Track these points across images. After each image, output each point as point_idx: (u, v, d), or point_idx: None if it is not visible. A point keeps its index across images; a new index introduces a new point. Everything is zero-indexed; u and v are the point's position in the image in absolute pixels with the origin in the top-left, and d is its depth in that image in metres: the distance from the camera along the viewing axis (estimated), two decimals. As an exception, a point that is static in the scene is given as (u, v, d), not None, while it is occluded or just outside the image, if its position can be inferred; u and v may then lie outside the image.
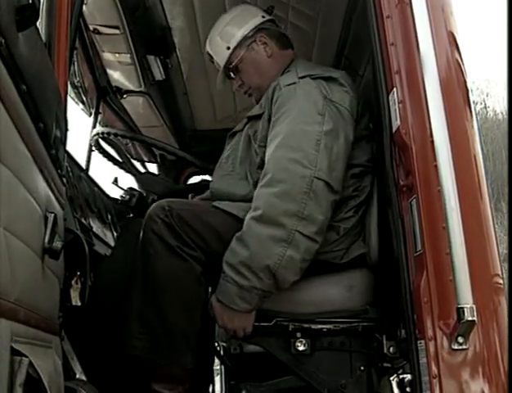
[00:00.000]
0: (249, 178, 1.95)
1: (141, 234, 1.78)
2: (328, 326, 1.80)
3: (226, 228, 1.78)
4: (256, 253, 1.69)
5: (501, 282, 1.56)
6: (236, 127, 2.15)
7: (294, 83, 1.91)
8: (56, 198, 1.25)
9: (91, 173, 2.63)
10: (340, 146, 1.81)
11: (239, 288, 1.69)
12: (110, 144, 2.55)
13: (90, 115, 2.82)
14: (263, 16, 2.19)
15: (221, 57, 2.16)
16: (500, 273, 1.56)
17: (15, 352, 0.84)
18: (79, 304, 1.49)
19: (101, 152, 2.51)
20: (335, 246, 1.85)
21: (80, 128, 2.74)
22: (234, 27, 2.16)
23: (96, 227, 2.01)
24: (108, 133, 2.40)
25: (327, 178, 1.74)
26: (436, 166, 1.46)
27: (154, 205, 1.81)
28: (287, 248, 1.67)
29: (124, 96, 2.96)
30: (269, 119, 1.91)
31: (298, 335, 1.80)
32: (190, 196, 2.66)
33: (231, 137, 2.14)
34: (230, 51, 2.14)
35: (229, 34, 2.15)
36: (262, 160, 1.87)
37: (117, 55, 2.60)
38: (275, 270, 1.67)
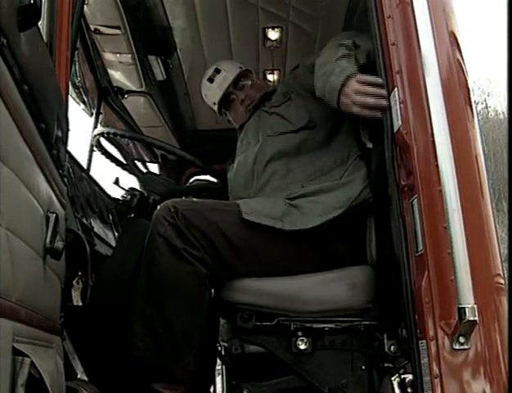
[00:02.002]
0: (259, 136, 2.09)
1: (147, 236, 1.78)
2: (329, 325, 1.80)
3: (227, 223, 1.79)
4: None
5: (503, 281, 1.56)
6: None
7: None
8: (58, 198, 1.25)
9: (92, 173, 2.63)
10: None
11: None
12: (111, 144, 2.55)
13: (91, 115, 2.82)
14: (240, 67, 2.47)
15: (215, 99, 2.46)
16: (501, 272, 1.56)
17: (16, 352, 0.84)
18: (81, 304, 1.49)
19: (102, 152, 2.51)
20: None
21: (81, 128, 2.75)
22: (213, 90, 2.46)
23: (97, 227, 2.01)
24: (109, 133, 2.40)
25: None
26: (437, 166, 1.46)
27: (160, 206, 1.82)
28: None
29: (125, 96, 2.97)
30: (284, 94, 2.12)
31: (300, 333, 1.79)
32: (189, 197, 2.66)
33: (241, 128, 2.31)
34: (216, 106, 2.46)
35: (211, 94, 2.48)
36: (277, 114, 2.08)
37: (118, 55, 2.60)
38: None
